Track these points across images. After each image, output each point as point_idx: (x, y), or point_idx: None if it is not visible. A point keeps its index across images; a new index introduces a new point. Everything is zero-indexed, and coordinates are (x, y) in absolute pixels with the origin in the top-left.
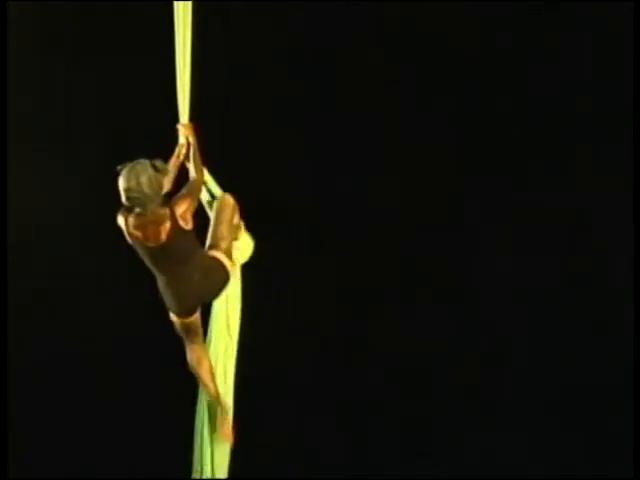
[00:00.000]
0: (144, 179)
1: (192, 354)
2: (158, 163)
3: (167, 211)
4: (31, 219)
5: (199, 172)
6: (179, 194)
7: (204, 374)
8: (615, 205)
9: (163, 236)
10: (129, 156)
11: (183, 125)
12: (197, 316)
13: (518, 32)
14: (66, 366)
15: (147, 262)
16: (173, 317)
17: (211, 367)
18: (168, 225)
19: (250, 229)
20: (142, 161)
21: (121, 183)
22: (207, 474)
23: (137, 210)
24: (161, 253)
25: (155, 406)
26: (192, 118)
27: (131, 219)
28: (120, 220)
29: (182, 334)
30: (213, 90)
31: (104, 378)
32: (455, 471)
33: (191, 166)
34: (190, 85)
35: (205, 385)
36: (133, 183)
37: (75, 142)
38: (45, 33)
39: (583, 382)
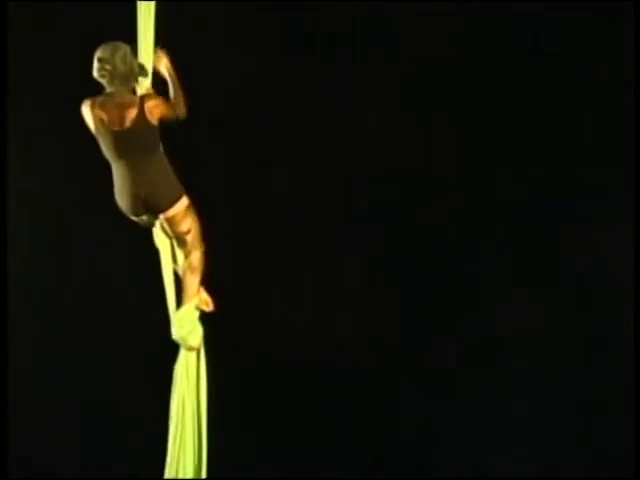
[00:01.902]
0: (120, 53)
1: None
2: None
3: (136, 99)
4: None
5: (181, 101)
6: (159, 96)
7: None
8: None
9: (127, 122)
10: None
11: (160, 55)
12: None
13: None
14: (66, 366)
15: (106, 150)
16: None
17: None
18: (134, 112)
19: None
20: (122, 43)
21: (97, 53)
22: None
23: (105, 91)
24: (122, 140)
25: (155, 406)
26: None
27: (99, 99)
28: (84, 106)
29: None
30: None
31: (104, 378)
32: (452, 469)
33: (174, 95)
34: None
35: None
36: (108, 54)
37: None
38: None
39: (583, 382)
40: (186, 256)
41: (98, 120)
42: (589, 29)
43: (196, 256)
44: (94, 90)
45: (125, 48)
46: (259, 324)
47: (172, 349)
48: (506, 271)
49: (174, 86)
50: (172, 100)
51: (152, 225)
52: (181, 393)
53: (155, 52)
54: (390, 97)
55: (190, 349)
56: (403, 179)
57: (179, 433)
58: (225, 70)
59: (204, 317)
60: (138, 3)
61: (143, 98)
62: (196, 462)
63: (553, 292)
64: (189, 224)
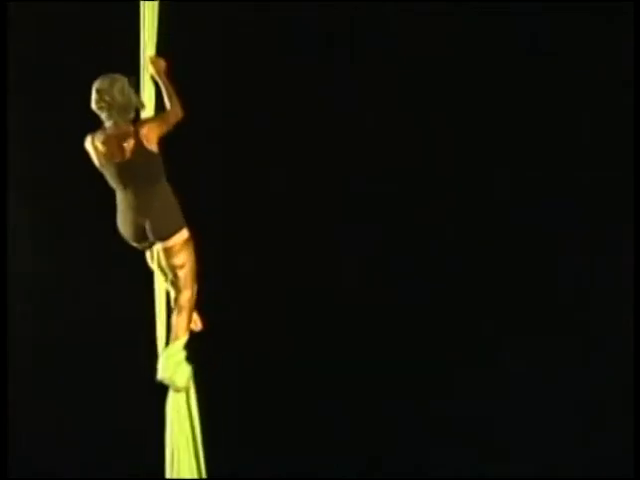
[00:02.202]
0: (118, 85)
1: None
2: (133, 81)
3: (131, 128)
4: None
5: (174, 105)
6: (149, 117)
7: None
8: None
9: (127, 153)
10: None
11: (152, 60)
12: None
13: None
14: (66, 365)
15: (111, 181)
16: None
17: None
18: (132, 142)
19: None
20: (120, 75)
21: (95, 85)
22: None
23: (104, 125)
24: (124, 171)
25: (155, 406)
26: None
27: (98, 135)
28: (87, 142)
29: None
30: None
31: (104, 378)
32: (451, 469)
33: (167, 101)
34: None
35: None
36: (106, 85)
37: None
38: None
39: (582, 382)
40: (176, 294)
41: (100, 154)
42: (588, 29)
43: (186, 296)
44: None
45: (123, 80)
46: (258, 323)
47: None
48: (506, 271)
49: (167, 91)
50: (167, 105)
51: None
52: (174, 438)
53: (152, 60)
54: (388, 97)
55: (177, 390)
56: (403, 179)
57: (175, 476)
58: (223, 70)
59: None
60: (142, 3)
61: (137, 126)
62: None
63: (553, 292)
64: (184, 259)
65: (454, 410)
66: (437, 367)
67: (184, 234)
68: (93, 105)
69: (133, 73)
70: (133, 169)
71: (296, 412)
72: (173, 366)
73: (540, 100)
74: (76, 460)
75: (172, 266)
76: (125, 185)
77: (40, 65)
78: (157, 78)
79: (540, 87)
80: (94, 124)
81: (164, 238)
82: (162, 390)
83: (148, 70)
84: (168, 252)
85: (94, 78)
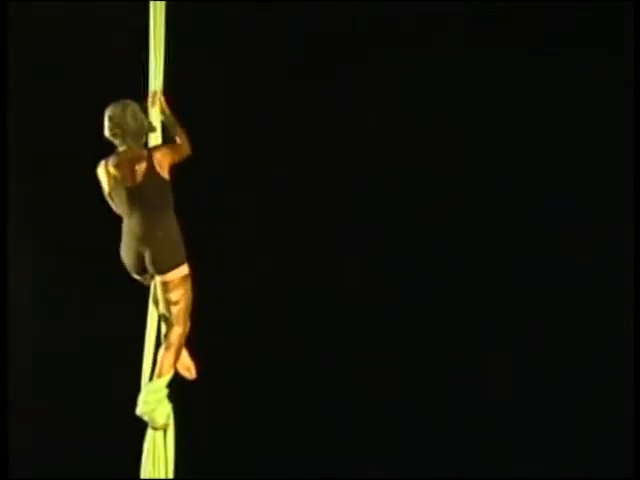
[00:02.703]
0: (129, 110)
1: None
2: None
3: (144, 152)
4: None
5: (184, 142)
6: (165, 145)
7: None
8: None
9: (139, 177)
10: None
11: (153, 95)
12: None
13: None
14: (66, 366)
15: (119, 207)
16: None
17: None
18: (144, 166)
19: None
20: (131, 100)
21: (107, 111)
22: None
23: (117, 149)
24: (134, 196)
25: None
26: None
27: (111, 159)
28: (100, 168)
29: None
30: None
31: (104, 378)
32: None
33: (176, 137)
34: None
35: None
36: (119, 112)
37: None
38: None
39: (583, 382)
40: (167, 329)
41: (112, 178)
42: (589, 29)
43: (176, 332)
44: (94, 90)
45: (134, 105)
46: (259, 323)
47: None
48: (506, 271)
49: (177, 127)
50: (177, 141)
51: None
52: (147, 473)
53: (151, 96)
54: (390, 97)
55: (155, 428)
56: (402, 179)
57: None
58: (224, 71)
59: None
60: (151, 3)
61: (151, 150)
62: None
63: (552, 291)
64: (180, 295)
65: (455, 410)
66: (438, 367)
67: (183, 270)
68: (106, 132)
69: (133, 72)
70: (142, 194)
71: (297, 412)
72: (154, 403)
73: (541, 100)
74: (76, 460)
75: (167, 301)
76: (132, 211)
77: (40, 65)
78: (164, 114)
79: (541, 87)
80: (94, 123)
81: (163, 271)
82: None
83: (156, 105)
84: (165, 286)
85: (94, 78)
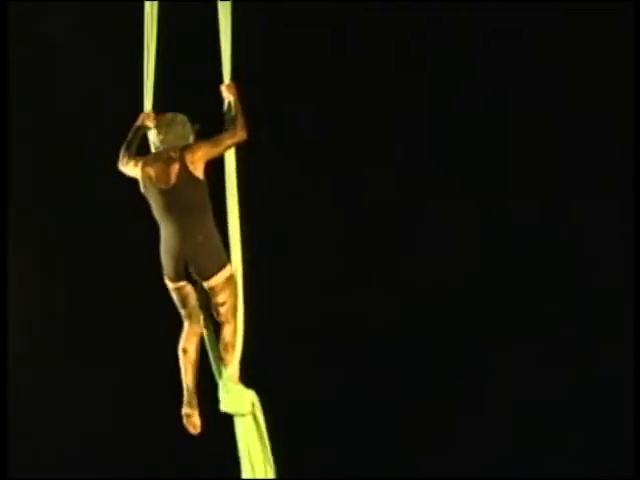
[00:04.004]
0: (180, 117)
1: (183, 338)
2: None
3: (177, 154)
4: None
5: (235, 129)
6: (198, 141)
7: (184, 362)
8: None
9: (172, 178)
10: None
11: (226, 85)
12: (189, 290)
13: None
14: (66, 367)
15: (154, 209)
16: (168, 283)
17: (196, 360)
18: (177, 167)
19: None
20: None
21: (155, 122)
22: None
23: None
24: (171, 198)
25: (156, 405)
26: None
27: (149, 157)
28: (138, 166)
29: (180, 308)
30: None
31: (104, 378)
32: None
33: (227, 121)
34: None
35: (183, 369)
36: (170, 115)
37: None
38: None
39: (583, 382)
40: (220, 329)
41: (147, 178)
42: (589, 29)
43: (229, 330)
44: (94, 90)
45: (185, 122)
46: (260, 323)
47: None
48: (507, 271)
49: (237, 113)
50: (233, 125)
51: (184, 297)
52: (248, 459)
53: (226, 85)
54: (390, 97)
55: (242, 415)
56: (403, 179)
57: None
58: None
59: None
60: (219, 3)
61: (182, 151)
62: None
63: (552, 291)
64: (226, 297)
65: (455, 409)
66: (439, 367)
67: (227, 272)
68: (153, 139)
69: (133, 74)
70: (177, 195)
71: (297, 412)
72: (234, 407)
73: (541, 100)
74: (76, 460)
75: (215, 304)
76: (168, 213)
77: (40, 65)
78: (231, 101)
79: (541, 87)
80: (94, 125)
81: (207, 278)
82: (162, 388)
83: (224, 95)
84: (212, 291)
85: (94, 79)
